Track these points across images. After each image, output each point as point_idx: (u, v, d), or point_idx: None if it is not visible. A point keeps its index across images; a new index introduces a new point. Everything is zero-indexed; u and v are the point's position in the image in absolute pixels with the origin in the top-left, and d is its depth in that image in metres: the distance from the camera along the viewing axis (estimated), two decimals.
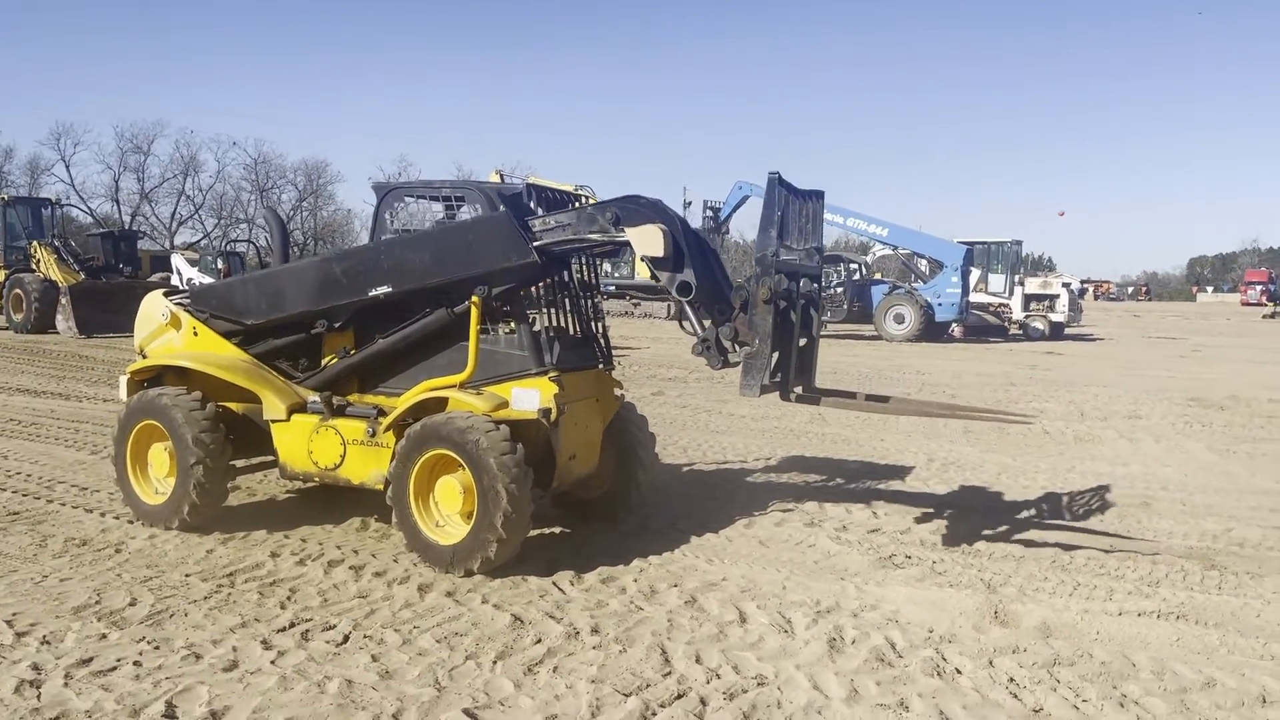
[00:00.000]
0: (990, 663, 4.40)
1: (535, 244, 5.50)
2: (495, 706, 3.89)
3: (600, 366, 6.25)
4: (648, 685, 4.09)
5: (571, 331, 6.13)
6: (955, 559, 5.95)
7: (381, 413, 5.82)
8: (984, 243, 29.63)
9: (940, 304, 26.12)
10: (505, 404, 5.48)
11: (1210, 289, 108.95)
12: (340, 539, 6.09)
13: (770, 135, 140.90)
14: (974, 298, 28.22)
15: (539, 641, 4.54)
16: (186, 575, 5.38)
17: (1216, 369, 19.85)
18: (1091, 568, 5.83)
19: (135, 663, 4.20)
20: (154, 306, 6.70)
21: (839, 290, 27.31)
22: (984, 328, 28.72)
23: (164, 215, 71.86)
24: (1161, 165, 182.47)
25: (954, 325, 27.11)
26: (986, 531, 6.58)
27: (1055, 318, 29.18)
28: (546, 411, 5.44)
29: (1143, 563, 5.92)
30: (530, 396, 5.47)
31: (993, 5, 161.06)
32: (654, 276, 5.66)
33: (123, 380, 6.54)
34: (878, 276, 31.68)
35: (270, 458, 6.32)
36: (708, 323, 5.61)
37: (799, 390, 5.95)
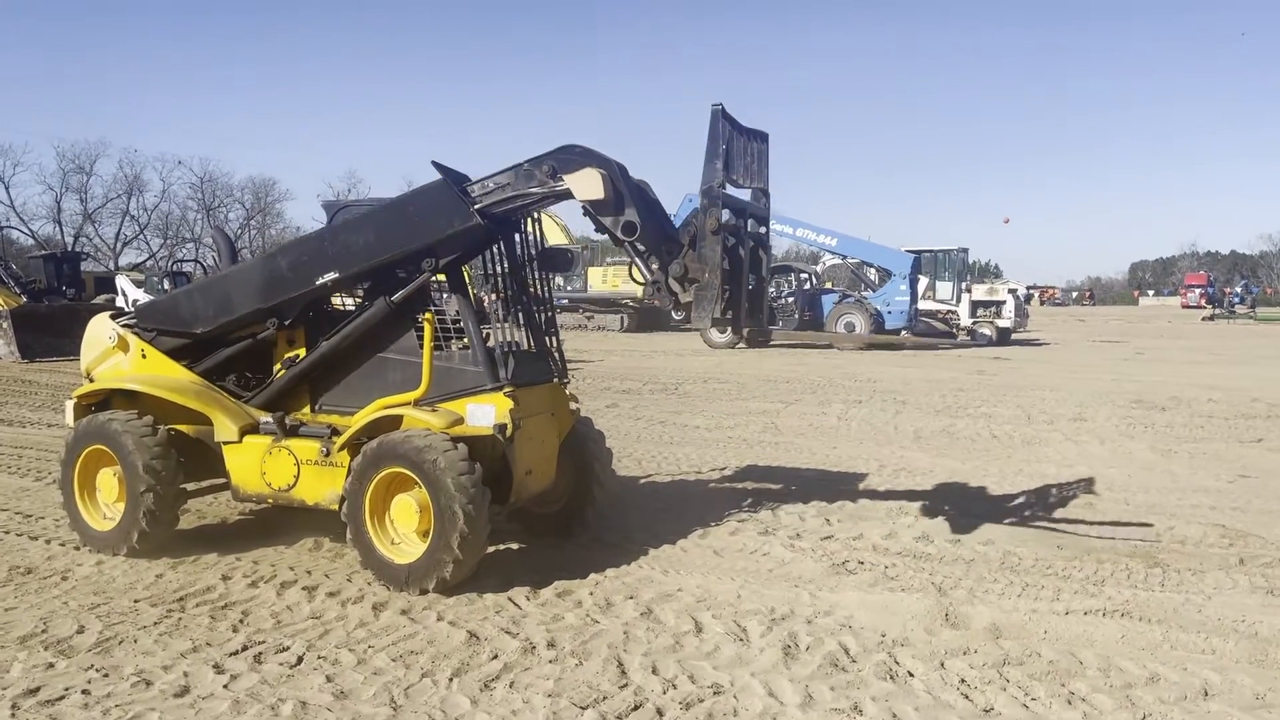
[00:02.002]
0: (942, 664, 4.47)
1: (476, 207, 5.47)
2: None
3: (555, 380, 6.23)
4: (604, 697, 4.10)
5: (525, 345, 6.09)
6: (906, 563, 6.04)
7: (335, 432, 5.75)
8: (931, 251, 30.09)
9: (889, 312, 26.48)
10: (460, 421, 5.44)
11: (1151, 293, 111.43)
12: (293, 560, 6.03)
13: None
14: (922, 305, 28.65)
15: (495, 657, 4.53)
16: (135, 601, 5.30)
17: (1158, 371, 20.31)
18: (1039, 568, 5.95)
19: (84, 691, 4.13)
20: (100, 329, 6.58)
21: (790, 300, 27.56)
22: (933, 334, 29.13)
23: (108, 236, 70.77)
24: (1103, 172, 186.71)
25: (903, 332, 27.46)
26: (937, 535, 6.68)
27: (1002, 323, 29.67)
28: (502, 427, 5.41)
29: (1088, 562, 6.05)
30: (485, 412, 5.44)
31: (935, 14, 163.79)
32: (598, 226, 5.61)
33: (69, 405, 6.41)
34: (828, 286, 32.03)
35: (222, 480, 6.23)
36: (655, 265, 5.57)
37: (749, 329, 6.09)
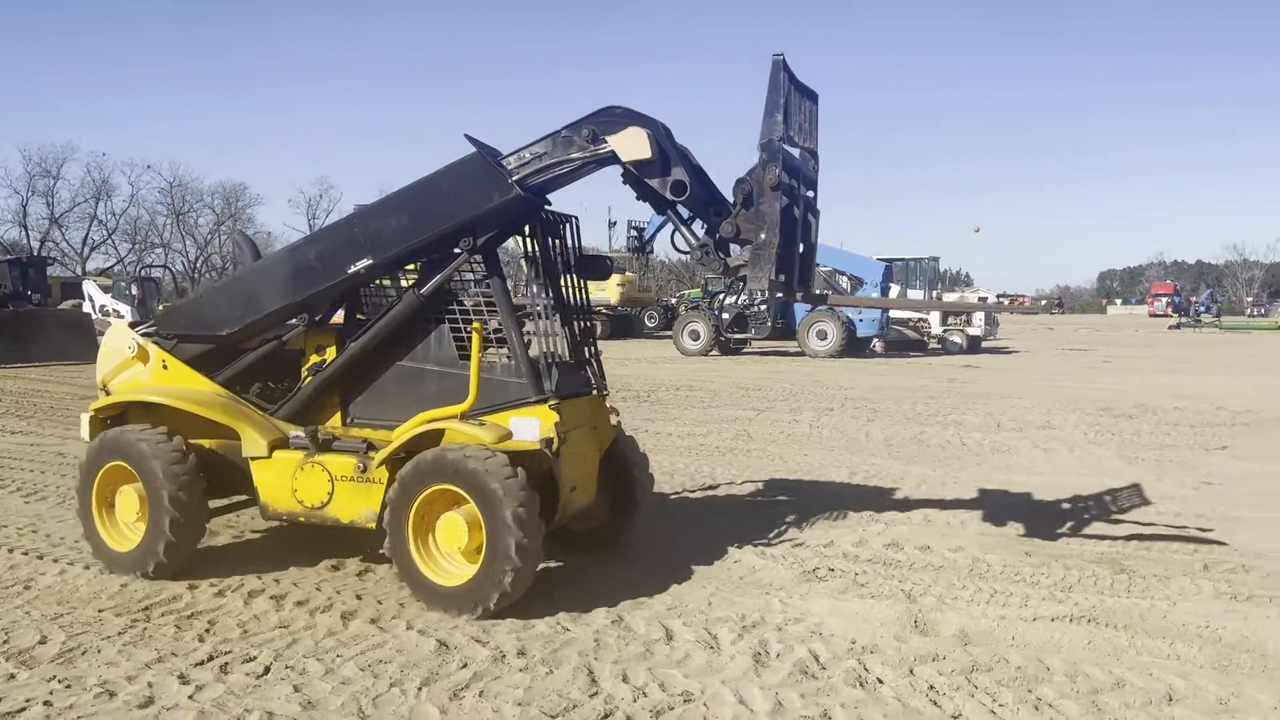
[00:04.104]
0: (911, 671, 4.49)
1: (514, 179, 5.22)
2: None
3: (595, 392, 6.00)
4: (574, 706, 4.09)
5: (564, 355, 5.78)
6: (877, 570, 6.06)
7: (371, 447, 5.48)
8: (903, 259, 30.33)
9: (861, 320, 26.61)
10: (509, 435, 5.19)
11: (1119, 301, 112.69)
12: (260, 568, 5.96)
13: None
14: (894, 314, 28.82)
15: (465, 666, 4.50)
16: (99, 611, 5.22)
17: (1126, 379, 20.56)
18: (1008, 575, 5.99)
19: (46, 703, 4.07)
20: (119, 339, 6.20)
21: (762, 308, 27.66)
22: (904, 343, 29.33)
23: (75, 241, 69.96)
24: (1073, 182, 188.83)
25: (875, 341, 27.62)
26: (907, 542, 6.71)
27: (972, 331, 29.96)
28: (549, 441, 5.16)
29: (1056, 569, 6.10)
30: (530, 426, 5.19)
31: (905, 25, 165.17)
32: (639, 192, 5.40)
33: (85, 419, 6.06)
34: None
35: (244, 497, 5.99)
36: (701, 229, 5.41)
37: (803, 291, 5.74)
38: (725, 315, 27.72)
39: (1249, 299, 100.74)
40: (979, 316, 30.13)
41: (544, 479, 5.31)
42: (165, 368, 6.01)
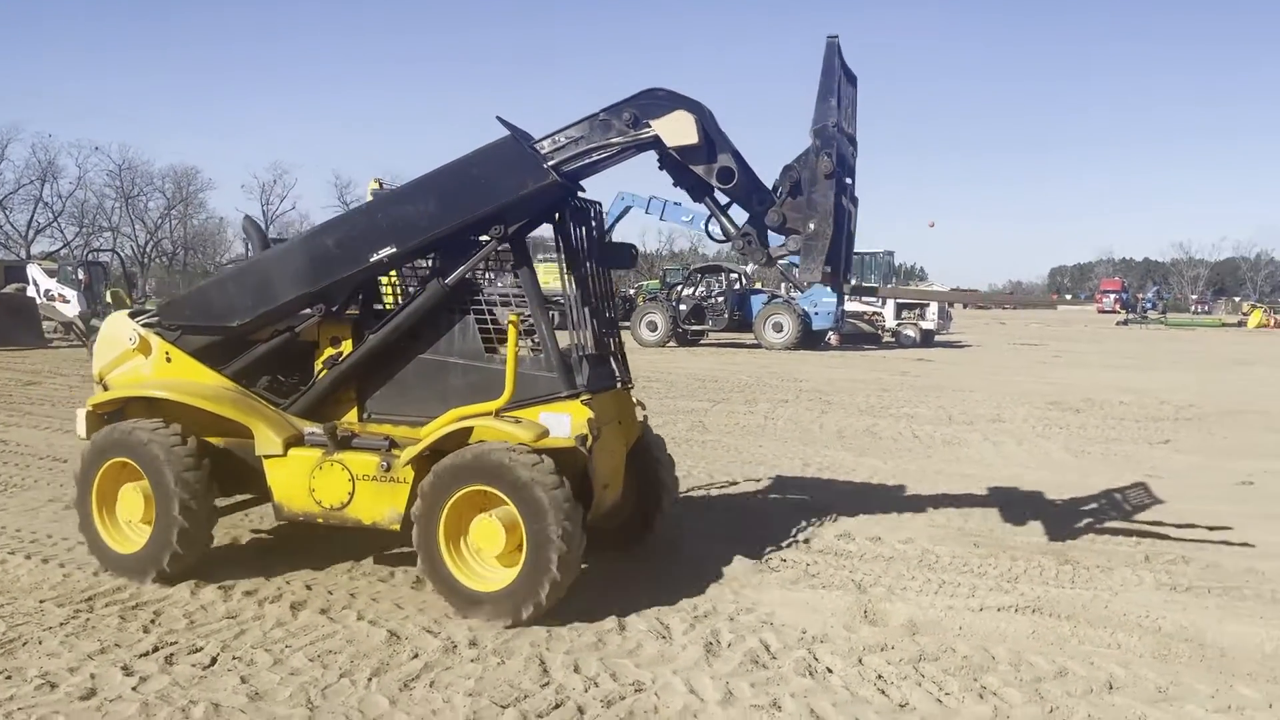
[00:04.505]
0: (860, 661, 4.54)
1: (549, 164, 5.02)
2: None
3: (620, 386, 5.75)
4: (526, 696, 4.09)
5: (589, 347, 5.45)
6: (828, 561, 6.12)
7: (394, 444, 5.28)
8: (858, 253, 30.46)
9: (817, 313, 26.77)
10: (547, 433, 4.97)
11: (1069, 297, 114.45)
12: (208, 557, 5.86)
13: None
14: (849, 307, 29.05)
15: (416, 656, 4.48)
16: (41, 601, 5.12)
17: (1074, 373, 20.91)
18: (956, 565, 6.08)
19: None
20: (118, 330, 5.89)
21: (720, 300, 27.75)
22: (859, 336, 29.58)
23: (20, 223, 68.36)
24: (1025, 180, 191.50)
25: (830, 334, 27.83)
26: (858, 533, 6.78)
27: (926, 325, 30.25)
28: (583, 438, 4.98)
29: (1003, 560, 6.20)
30: (561, 422, 5.01)
31: (861, 14, 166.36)
32: (678, 179, 5.24)
33: (81, 414, 5.77)
34: (758, 286, 32.30)
35: (250, 496, 5.83)
36: (741, 218, 5.25)
37: (852, 281, 5.71)
38: (683, 307, 27.76)
39: (1194, 296, 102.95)
40: (932, 310, 30.46)
41: (577, 477, 5.06)
42: (169, 360, 5.73)
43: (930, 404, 14.52)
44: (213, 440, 5.57)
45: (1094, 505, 7.92)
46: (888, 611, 5.21)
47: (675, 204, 25.41)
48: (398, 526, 5.15)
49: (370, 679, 4.22)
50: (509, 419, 5.00)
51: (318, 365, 5.66)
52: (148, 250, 73.80)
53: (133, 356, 5.81)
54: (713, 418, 12.65)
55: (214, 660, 4.40)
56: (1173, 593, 5.61)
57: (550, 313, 5.34)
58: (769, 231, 5.22)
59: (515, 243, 5.25)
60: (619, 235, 32.01)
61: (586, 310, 5.43)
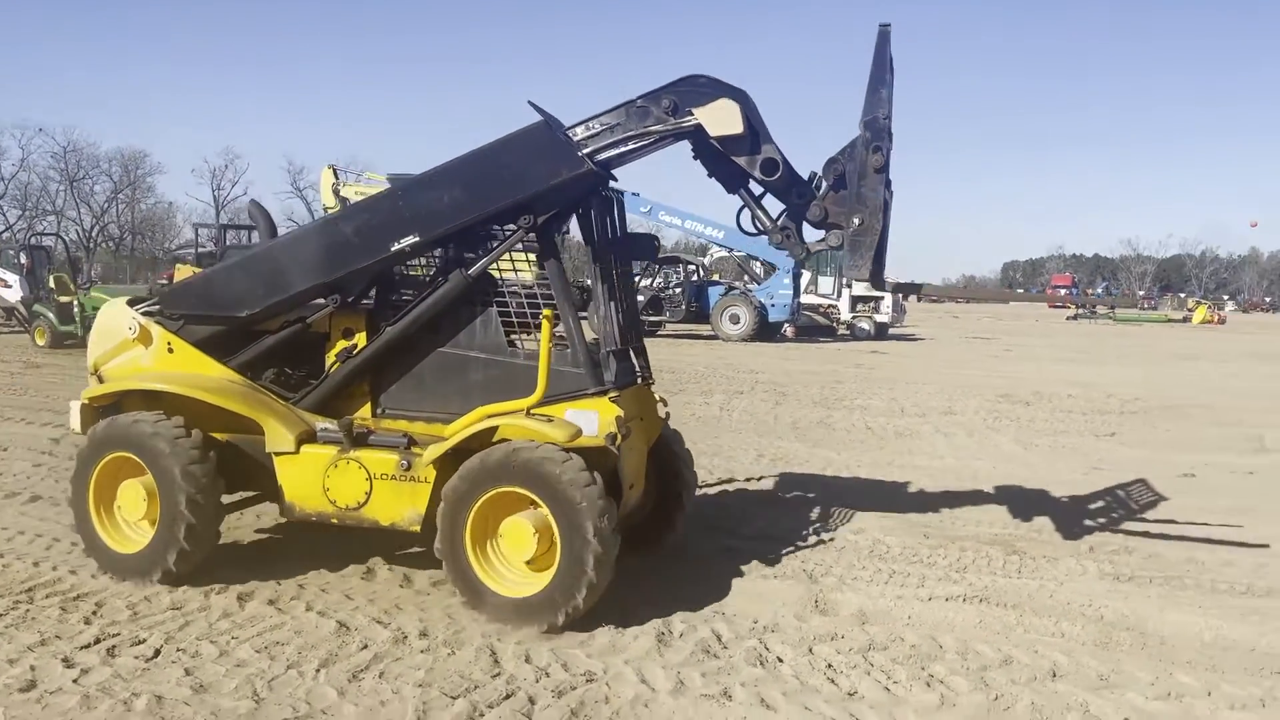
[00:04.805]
0: (810, 650, 4.58)
1: (583, 152, 4.84)
2: (317, 715, 3.79)
3: (641, 381, 5.58)
4: (476, 687, 4.07)
5: (615, 342, 5.27)
6: (780, 551, 6.16)
7: (412, 441, 5.09)
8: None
9: (773, 305, 26.92)
10: (580, 433, 4.79)
11: (1021, 291, 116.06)
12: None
13: None
14: (805, 299, 29.25)
15: (365, 647, 4.44)
16: None
17: (1024, 367, 21.24)
18: (906, 556, 6.15)
19: None
20: (116, 319, 5.56)
21: (677, 291, 27.79)
22: (814, 328, 29.79)
23: None
24: (980, 176, 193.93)
25: (786, 326, 28.00)
26: (810, 524, 6.84)
27: (880, 318, 30.58)
28: (612, 437, 4.79)
29: (952, 550, 6.28)
30: (588, 420, 4.84)
31: (817, 10, 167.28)
32: (713, 171, 5.10)
33: (75, 407, 5.47)
34: (715, 278, 32.40)
35: (253, 493, 5.65)
36: (775, 212, 5.10)
37: (893, 280, 5.51)
38: (640, 298, 27.74)
39: (1140, 292, 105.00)
40: (886, 303, 30.76)
41: (607, 477, 4.85)
42: (171, 351, 5.43)
43: (883, 396, 14.66)
44: (217, 435, 5.32)
45: (1041, 496, 8.05)
46: (838, 601, 5.25)
47: (634, 194, 25.38)
48: (418, 528, 4.97)
49: (318, 670, 4.18)
50: (541, 418, 4.82)
51: (329, 358, 5.40)
52: (93, 235, 72.23)
53: (131, 347, 5.49)
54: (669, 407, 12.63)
55: (157, 652, 4.32)
56: (1115, 582, 5.72)
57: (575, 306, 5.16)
58: (803, 226, 5.12)
59: (543, 233, 5.04)
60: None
61: (613, 304, 5.26)
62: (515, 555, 4.72)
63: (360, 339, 5.32)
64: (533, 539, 4.60)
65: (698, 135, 4.94)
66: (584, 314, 5.30)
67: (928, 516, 7.24)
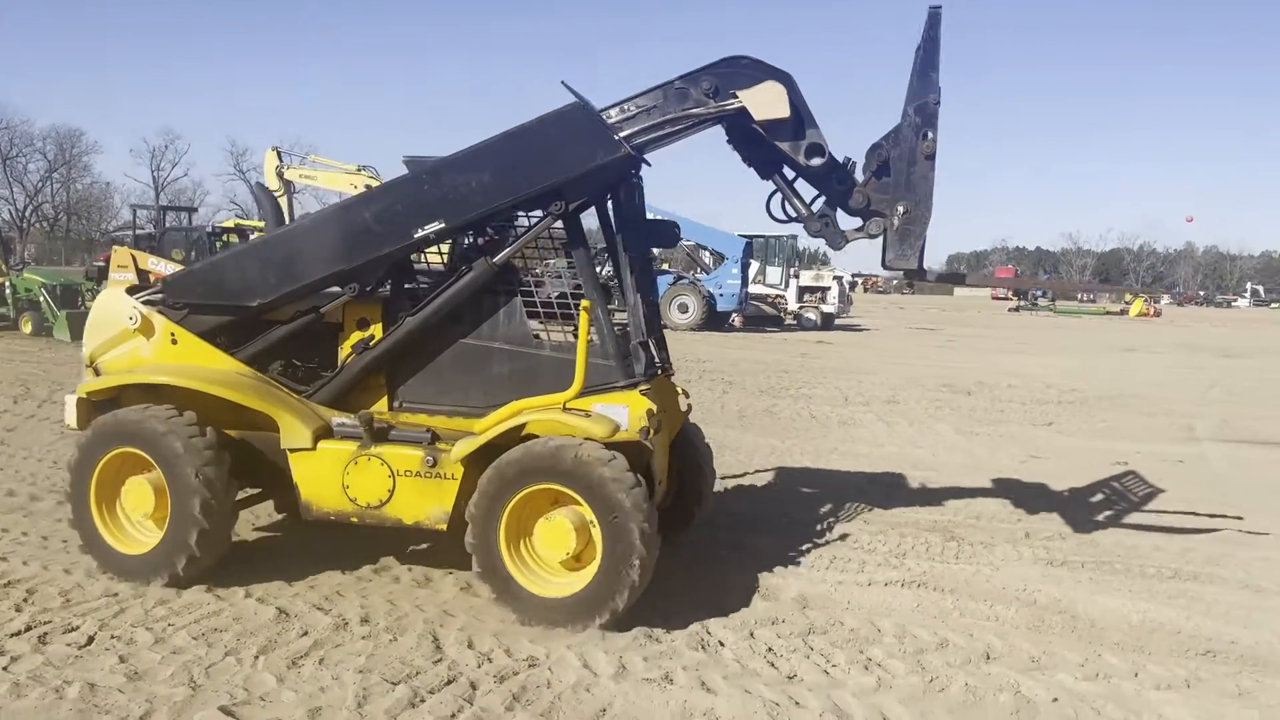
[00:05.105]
0: (751, 634, 4.63)
1: (621, 135, 4.69)
2: (255, 702, 3.76)
3: (662, 373, 5.42)
4: (418, 673, 4.06)
5: (641, 332, 5.13)
6: (723, 537, 6.21)
7: (436, 436, 4.95)
8: (763, 236, 30.89)
9: (721, 295, 27.05)
10: (619, 428, 4.65)
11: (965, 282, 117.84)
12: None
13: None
14: (753, 289, 29.41)
15: (305, 634, 4.41)
16: None
17: (966, 358, 21.58)
18: (847, 542, 6.23)
19: None
20: (115, 308, 5.27)
21: None
22: (762, 318, 29.98)
23: None
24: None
25: (734, 315, 28.15)
26: (754, 510, 6.90)
27: (827, 309, 30.88)
28: (646, 431, 4.65)
29: (892, 536, 6.39)
30: (619, 414, 4.69)
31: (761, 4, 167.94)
32: (748, 156, 4.98)
33: (71, 401, 5.19)
34: (664, 267, 32.44)
35: (257, 490, 5.47)
36: (812, 200, 4.98)
37: (935, 270, 5.23)
38: None
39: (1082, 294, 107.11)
40: (833, 294, 31.05)
41: (642, 473, 4.70)
42: (174, 342, 5.17)
43: (828, 385, 14.82)
44: (228, 432, 5.08)
45: (979, 484, 8.20)
46: (779, 586, 5.31)
47: None
48: (444, 526, 4.81)
49: (257, 657, 4.14)
50: (578, 413, 4.68)
51: (344, 349, 5.17)
52: (27, 215, 70.38)
53: (131, 337, 5.22)
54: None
55: (91, 639, 4.25)
56: (1049, 567, 5.85)
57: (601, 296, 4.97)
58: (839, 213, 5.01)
59: (571, 220, 4.87)
60: None
61: (638, 294, 5.12)
62: (551, 554, 4.59)
63: (376, 329, 5.10)
64: (572, 538, 4.48)
65: (739, 119, 4.80)
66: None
67: (869, 503, 7.34)
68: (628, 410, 4.71)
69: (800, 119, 4.76)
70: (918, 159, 4.74)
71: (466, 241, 5.19)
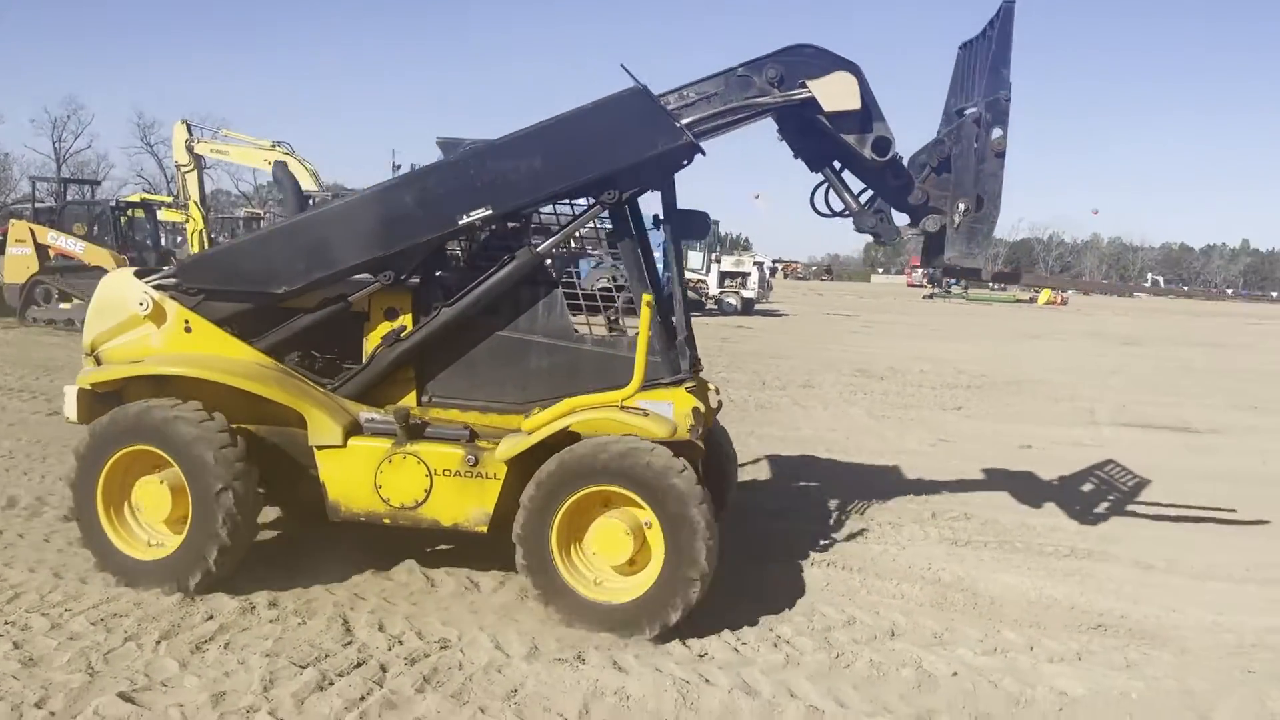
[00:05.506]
0: None
1: (682, 123, 4.50)
2: (156, 688, 3.68)
3: (694, 370, 5.21)
4: (327, 656, 4.02)
5: (683, 327, 5.02)
6: None
7: (474, 434, 4.76)
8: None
9: None
10: (676, 428, 4.48)
11: (882, 270, 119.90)
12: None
13: (479, 99, 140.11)
14: None
15: (210, 618, 4.33)
16: None
17: (881, 343, 22.03)
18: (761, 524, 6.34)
19: None
20: (123, 291, 4.86)
21: (548, 264, 27.65)
22: None
23: None
24: None
25: None
26: None
27: (747, 294, 31.14)
28: (697, 430, 4.51)
29: (802, 517, 6.50)
30: (664, 411, 4.54)
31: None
32: (799, 149, 4.86)
33: (71, 393, 4.81)
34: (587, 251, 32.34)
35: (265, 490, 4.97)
36: (859, 193, 4.88)
37: (992, 269, 5.14)
38: None
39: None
40: (753, 279, 31.34)
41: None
42: (188, 330, 4.81)
43: (747, 370, 14.98)
44: (249, 428, 4.76)
45: (889, 466, 8.40)
46: None
47: None
48: (485, 528, 4.60)
49: (159, 642, 4.05)
50: (636, 411, 4.49)
51: (371, 340, 4.90)
52: None
53: (139, 325, 4.82)
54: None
55: None
56: (954, 546, 6.03)
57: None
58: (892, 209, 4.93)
59: (621, 210, 4.70)
60: None
61: (679, 288, 5.00)
62: (605, 558, 4.41)
63: (406, 320, 4.87)
64: (630, 544, 4.32)
65: (801, 110, 4.65)
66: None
67: (784, 486, 7.46)
68: (673, 407, 4.57)
69: (869, 111, 4.64)
70: (987, 156, 4.65)
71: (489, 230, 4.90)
